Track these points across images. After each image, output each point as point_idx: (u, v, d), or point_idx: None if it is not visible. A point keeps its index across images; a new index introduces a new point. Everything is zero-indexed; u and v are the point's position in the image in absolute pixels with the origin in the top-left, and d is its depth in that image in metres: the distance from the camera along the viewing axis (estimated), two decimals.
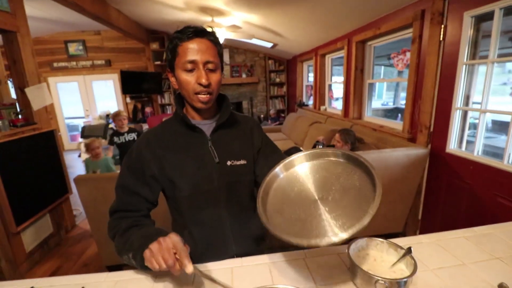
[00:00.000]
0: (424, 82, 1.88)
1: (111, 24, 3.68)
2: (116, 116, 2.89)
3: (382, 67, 3.50)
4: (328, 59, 3.92)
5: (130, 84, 5.13)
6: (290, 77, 6.04)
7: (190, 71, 0.73)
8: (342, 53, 3.42)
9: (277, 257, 0.72)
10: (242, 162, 0.85)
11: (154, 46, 5.41)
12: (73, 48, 5.47)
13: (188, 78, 0.73)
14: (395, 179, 1.82)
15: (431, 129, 1.86)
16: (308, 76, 5.23)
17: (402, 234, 2.16)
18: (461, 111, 1.71)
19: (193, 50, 0.71)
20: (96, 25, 4.31)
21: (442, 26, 1.71)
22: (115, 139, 2.85)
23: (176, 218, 0.87)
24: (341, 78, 4.12)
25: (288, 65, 6.10)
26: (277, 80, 6.28)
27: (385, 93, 5.63)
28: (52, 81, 5.54)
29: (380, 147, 2.10)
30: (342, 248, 0.74)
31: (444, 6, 1.69)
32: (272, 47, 5.00)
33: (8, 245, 1.89)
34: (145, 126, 5.54)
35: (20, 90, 2.16)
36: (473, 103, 1.69)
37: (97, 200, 1.65)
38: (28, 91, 2.15)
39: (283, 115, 6.38)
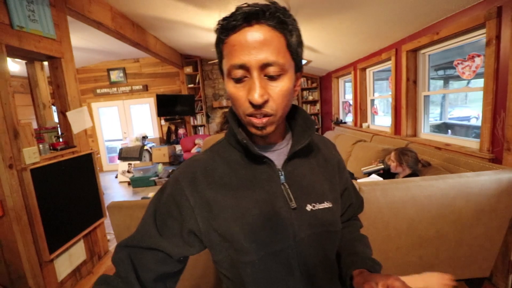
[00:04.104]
0: (509, 90, 1.54)
1: (149, 50, 3.83)
2: None
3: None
4: (370, 72, 3.65)
5: (164, 106, 5.27)
6: (324, 94, 5.80)
7: (239, 80, 0.47)
8: (386, 66, 3.15)
9: None
10: (327, 205, 0.55)
11: (188, 70, 5.61)
12: (114, 76, 5.83)
13: (237, 92, 0.48)
14: (481, 211, 1.45)
15: None
16: (344, 92, 4.95)
17: (489, 279, 1.72)
18: None
19: (242, 47, 0.44)
20: (136, 52, 4.56)
21: None
22: None
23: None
24: (381, 93, 3.81)
25: (321, 82, 5.88)
26: (310, 98, 6.07)
27: None
28: (95, 106, 5.89)
29: (452, 170, 1.73)
30: None
31: None
32: (305, 64, 4.85)
33: (40, 274, 1.81)
34: (178, 147, 5.59)
35: (62, 114, 2.20)
36: None
37: (131, 228, 1.51)
38: (69, 114, 2.17)
39: (316, 133, 6.08)
